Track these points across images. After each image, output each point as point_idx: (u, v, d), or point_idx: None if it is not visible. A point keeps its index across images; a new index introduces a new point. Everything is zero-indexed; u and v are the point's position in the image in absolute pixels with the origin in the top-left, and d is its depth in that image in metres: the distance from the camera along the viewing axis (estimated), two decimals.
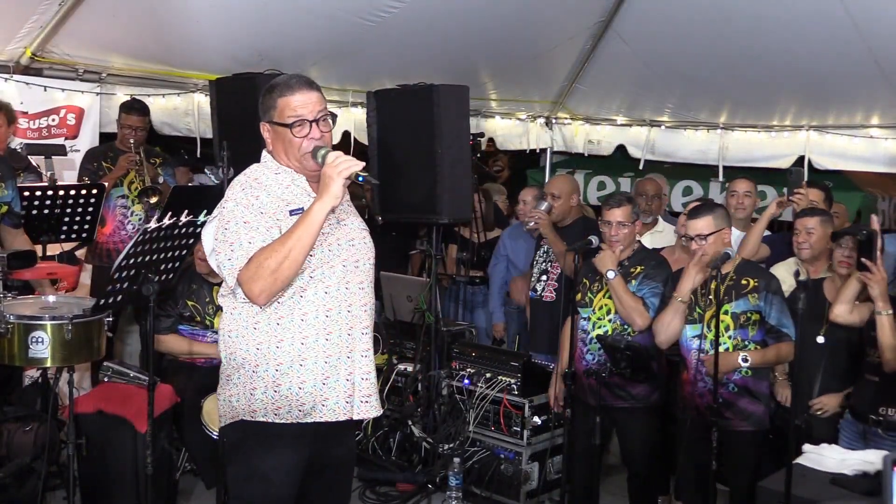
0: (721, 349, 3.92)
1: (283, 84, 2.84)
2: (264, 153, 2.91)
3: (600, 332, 4.39)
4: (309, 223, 2.64)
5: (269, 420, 2.78)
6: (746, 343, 4.02)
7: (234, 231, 2.70)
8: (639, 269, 4.41)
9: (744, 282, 4.04)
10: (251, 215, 2.71)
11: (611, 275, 4.31)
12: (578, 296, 4.48)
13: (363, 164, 2.71)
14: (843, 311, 4.00)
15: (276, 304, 2.75)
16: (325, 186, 2.66)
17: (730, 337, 4.02)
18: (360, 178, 2.68)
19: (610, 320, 4.39)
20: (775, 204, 4.92)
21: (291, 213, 2.75)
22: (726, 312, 4.01)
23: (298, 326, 2.76)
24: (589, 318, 4.45)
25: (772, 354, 4.02)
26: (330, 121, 2.86)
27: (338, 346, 2.81)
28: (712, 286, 3.87)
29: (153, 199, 5.58)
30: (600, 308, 4.43)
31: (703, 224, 4.05)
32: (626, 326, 4.35)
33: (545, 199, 5.33)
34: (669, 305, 4.12)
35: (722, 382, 3.96)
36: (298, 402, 2.77)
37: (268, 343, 2.76)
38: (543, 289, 5.56)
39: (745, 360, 3.98)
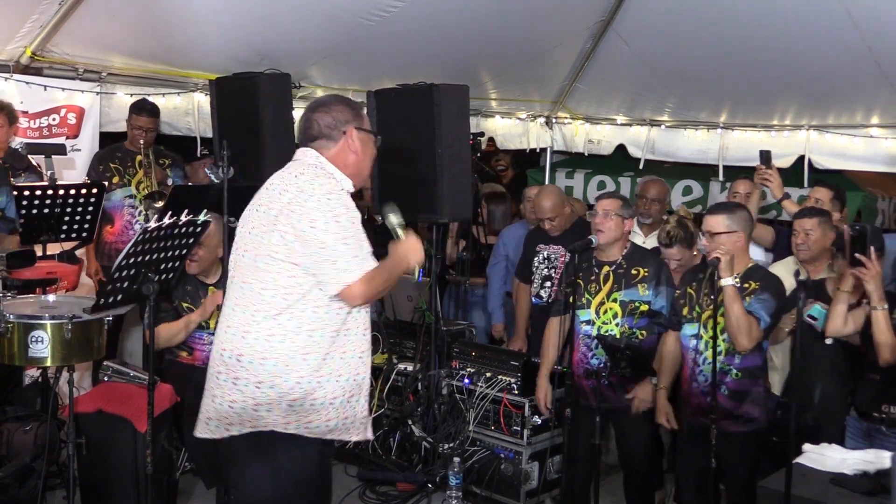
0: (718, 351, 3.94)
1: (351, 101, 3.18)
2: (310, 153, 3.02)
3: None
4: (395, 268, 3.14)
5: (300, 433, 3.01)
6: None
7: (346, 245, 2.91)
8: (642, 271, 4.33)
9: (746, 285, 4.01)
10: (350, 227, 2.94)
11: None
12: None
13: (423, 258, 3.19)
14: (837, 327, 3.93)
15: (331, 338, 3.00)
16: (402, 261, 3.14)
17: (724, 340, 3.98)
18: (420, 272, 3.28)
19: (617, 324, 4.32)
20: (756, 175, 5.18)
21: None
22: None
23: (340, 362, 3.05)
24: (592, 322, 4.36)
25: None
26: None
27: (363, 386, 3.15)
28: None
29: (159, 204, 5.58)
30: (605, 312, 4.34)
31: (714, 222, 3.99)
32: (634, 331, 4.31)
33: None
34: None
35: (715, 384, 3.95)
36: (328, 430, 3.07)
37: (327, 374, 3.01)
38: (549, 295, 5.56)
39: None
